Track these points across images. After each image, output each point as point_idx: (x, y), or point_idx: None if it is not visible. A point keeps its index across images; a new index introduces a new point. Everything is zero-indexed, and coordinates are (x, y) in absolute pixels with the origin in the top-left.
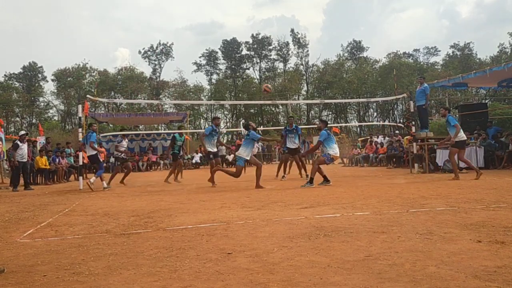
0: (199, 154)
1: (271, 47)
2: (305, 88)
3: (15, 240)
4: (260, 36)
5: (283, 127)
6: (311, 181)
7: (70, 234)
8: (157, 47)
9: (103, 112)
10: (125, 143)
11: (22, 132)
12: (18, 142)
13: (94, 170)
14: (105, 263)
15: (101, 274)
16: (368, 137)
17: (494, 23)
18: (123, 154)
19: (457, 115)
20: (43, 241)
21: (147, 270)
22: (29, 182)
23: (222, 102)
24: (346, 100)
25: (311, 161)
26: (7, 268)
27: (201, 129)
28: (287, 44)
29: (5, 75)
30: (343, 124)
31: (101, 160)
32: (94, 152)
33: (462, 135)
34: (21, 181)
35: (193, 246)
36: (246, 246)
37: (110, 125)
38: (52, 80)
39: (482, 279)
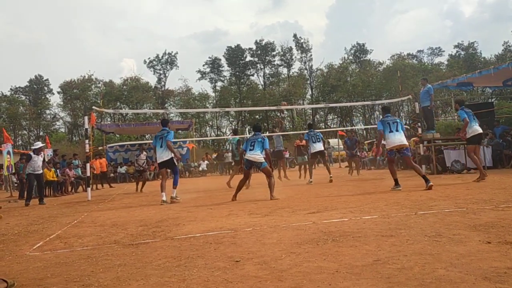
0: (206, 162)
1: (274, 53)
2: (309, 92)
3: (24, 253)
4: (263, 42)
5: (288, 132)
6: None
7: (79, 246)
8: (162, 57)
9: (109, 122)
10: (143, 156)
11: (40, 145)
12: (32, 154)
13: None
14: (114, 274)
15: (110, 286)
16: (375, 139)
17: (498, 21)
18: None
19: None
20: (53, 254)
21: (156, 280)
22: (43, 196)
23: (227, 109)
24: (351, 104)
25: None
26: (17, 281)
27: (206, 136)
28: (291, 49)
29: (11, 89)
30: (349, 128)
31: None
32: None
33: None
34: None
35: (201, 254)
36: (254, 253)
37: (117, 136)
38: (58, 92)
39: (492, 281)
